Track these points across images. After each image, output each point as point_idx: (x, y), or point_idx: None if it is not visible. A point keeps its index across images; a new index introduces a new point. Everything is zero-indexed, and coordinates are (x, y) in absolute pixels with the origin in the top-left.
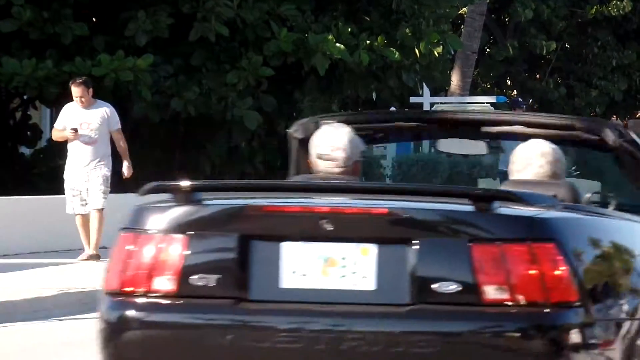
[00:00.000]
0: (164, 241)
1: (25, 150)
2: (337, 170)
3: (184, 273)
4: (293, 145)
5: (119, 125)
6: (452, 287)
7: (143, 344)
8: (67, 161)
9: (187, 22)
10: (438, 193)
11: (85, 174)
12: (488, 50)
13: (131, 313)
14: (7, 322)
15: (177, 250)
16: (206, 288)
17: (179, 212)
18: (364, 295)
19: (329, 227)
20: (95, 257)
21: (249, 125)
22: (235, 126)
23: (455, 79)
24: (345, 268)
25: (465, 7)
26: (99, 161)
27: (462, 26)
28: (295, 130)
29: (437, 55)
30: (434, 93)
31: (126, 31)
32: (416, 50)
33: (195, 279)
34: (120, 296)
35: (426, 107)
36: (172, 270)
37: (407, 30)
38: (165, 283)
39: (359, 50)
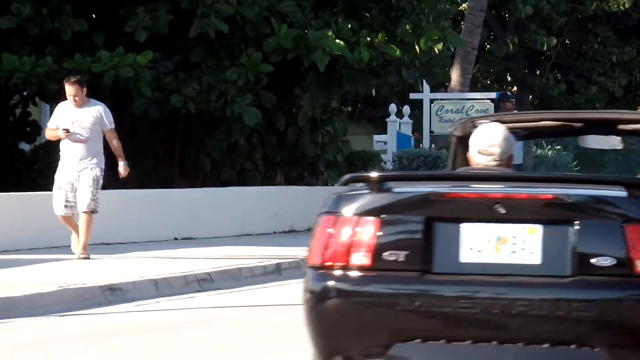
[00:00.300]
0: (359, 223)
1: (24, 147)
2: (494, 163)
3: (377, 250)
4: (452, 142)
5: (112, 125)
6: (608, 261)
7: (342, 310)
8: (60, 161)
9: (187, 19)
10: (594, 181)
11: (76, 172)
12: (488, 46)
13: (332, 284)
14: (7, 318)
15: (371, 230)
16: (396, 262)
17: (372, 198)
18: (531, 268)
19: (502, 210)
20: (84, 259)
21: (249, 122)
22: (235, 122)
23: (455, 75)
24: (515, 245)
25: (465, 3)
26: (90, 160)
27: (462, 22)
28: (454, 129)
29: (437, 51)
30: (434, 89)
31: (126, 27)
32: (416, 46)
33: (387, 255)
34: (322, 269)
35: (426, 104)
36: (367, 248)
37: (407, 27)
38: (360, 258)
39: (359, 47)
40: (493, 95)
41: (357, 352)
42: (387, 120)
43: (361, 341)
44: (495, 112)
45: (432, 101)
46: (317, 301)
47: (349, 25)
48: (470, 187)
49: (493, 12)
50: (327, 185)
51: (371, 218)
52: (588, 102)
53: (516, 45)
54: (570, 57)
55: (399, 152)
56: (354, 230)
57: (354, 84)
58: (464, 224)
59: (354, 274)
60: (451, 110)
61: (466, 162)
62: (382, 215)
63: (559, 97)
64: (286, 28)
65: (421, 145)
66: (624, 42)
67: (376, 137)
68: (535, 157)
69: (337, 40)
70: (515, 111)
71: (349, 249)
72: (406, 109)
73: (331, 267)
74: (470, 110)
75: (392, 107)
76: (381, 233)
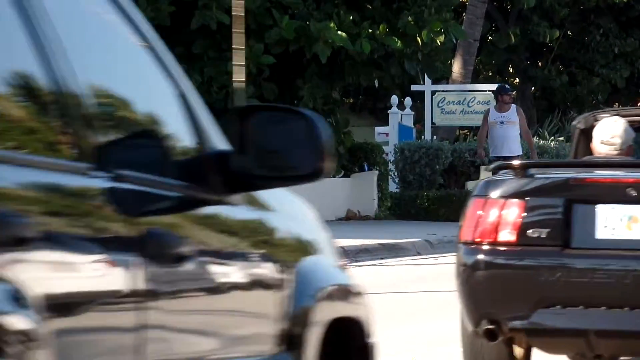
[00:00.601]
0: (506, 205)
1: None
2: (615, 152)
3: (522, 228)
4: (575, 134)
5: None
6: None
7: (491, 280)
8: None
9: (188, 10)
10: None
11: None
12: (490, 37)
13: (482, 257)
14: None
15: (516, 211)
16: (539, 239)
17: (517, 183)
18: None
19: (633, 193)
20: None
21: None
22: None
23: (456, 67)
24: None
25: None
26: None
27: (464, 14)
28: (578, 122)
29: (439, 43)
30: (435, 81)
31: None
32: (418, 38)
33: (530, 232)
34: (473, 245)
35: (427, 95)
36: (513, 226)
37: (409, 19)
38: (507, 235)
39: (361, 38)
40: (495, 86)
41: (504, 316)
42: (388, 112)
43: (507, 307)
44: (495, 105)
45: (433, 93)
46: (469, 272)
47: (351, 17)
48: (605, 173)
49: (495, 3)
50: (329, 176)
51: (516, 200)
52: (590, 93)
53: (518, 36)
54: (573, 48)
55: (400, 143)
56: (501, 211)
57: (356, 76)
58: (600, 205)
59: (501, 248)
60: (453, 101)
61: (589, 152)
62: (526, 198)
63: (560, 88)
64: (288, 19)
65: (423, 136)
66: (626, 33)
67: (378, 129)
68: (538, 147)
69: (339, 32)
70: (513, 105)
71: (496, 227)
72: (408, 101)
73: (481, 243)
74: (472, 102)
75: (394, 99)
76: (525, 213)
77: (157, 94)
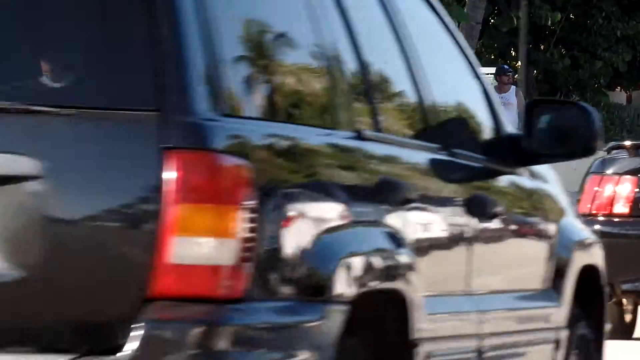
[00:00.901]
0: (620, 181)
1: None
2: None
3: (634, 201)
4: None
5: None
6: None
7: (606, 247)
8: None
9: None
10: None
11: None
12: (492, 20)
13: (597, 227)
14: None
15: (629, 186)
16: None
17: (631, 161)
18: None
19: None
20: None
21: None
22: None
23: None
24: None
25: None
26: None
27: None
28: None
29: None
30: None
31: None
32: None
33: None
34: (590, 216)
35: None
36: (626, 200)
37: None
38: (621, 208)
39: None
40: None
41: (617, 280)
42: None
43: (621, 272)
44: (496, 87)
45: None
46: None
47: None
48: None
49: None
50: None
51: (629, 177)
52: (592, 77)
53: (520, 19)
54: (575, 32)
55: None
56: (616, 186)
57: None
58: None
59: (616, 220)
60: None
61: None
62: (639, 175)
63: (563, 72)
64: None
65: None
66: (628, 16)
67: None
68: None
69: None
70: (513, 87)
71: (611, 201)
72: None
73: (597, 215)
74: None
75: None
76: (638, 189)
77: (470, 89)
